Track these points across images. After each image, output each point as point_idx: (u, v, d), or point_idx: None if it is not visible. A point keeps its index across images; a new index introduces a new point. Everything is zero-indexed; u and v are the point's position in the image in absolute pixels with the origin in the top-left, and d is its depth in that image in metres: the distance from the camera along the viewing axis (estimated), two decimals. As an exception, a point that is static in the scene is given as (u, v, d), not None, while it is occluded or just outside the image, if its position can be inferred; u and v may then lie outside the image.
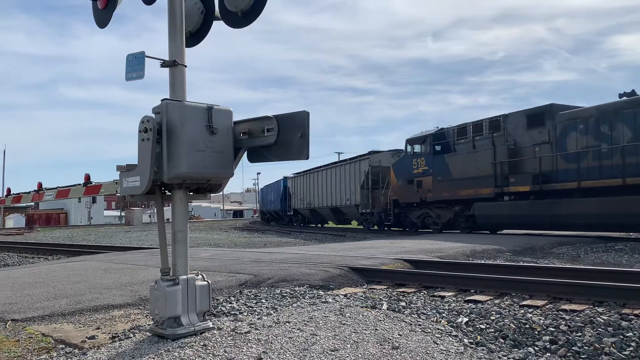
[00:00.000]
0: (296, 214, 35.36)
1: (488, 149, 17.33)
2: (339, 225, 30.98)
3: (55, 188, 8.37)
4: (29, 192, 8.88)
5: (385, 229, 23.88)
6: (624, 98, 14.60)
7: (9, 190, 9.94)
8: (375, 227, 24.78)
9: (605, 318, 4.06)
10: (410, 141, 21.18)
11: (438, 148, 19.66)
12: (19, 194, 9.31)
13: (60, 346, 3.69)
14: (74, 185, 7.93)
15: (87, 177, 7.61)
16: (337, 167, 28.99)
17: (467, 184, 17.96)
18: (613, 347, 3.43)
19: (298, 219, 35.55)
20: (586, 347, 3.47)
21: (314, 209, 31.83)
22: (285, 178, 38.21)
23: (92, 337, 3.85)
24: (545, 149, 15.73)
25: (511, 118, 17.07)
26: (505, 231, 17.34)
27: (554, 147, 15.53)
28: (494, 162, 16.95)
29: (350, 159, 28.32)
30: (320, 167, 31.64)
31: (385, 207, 22.97)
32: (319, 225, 33.53)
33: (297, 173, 35.74)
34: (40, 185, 8.59)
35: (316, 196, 31.10)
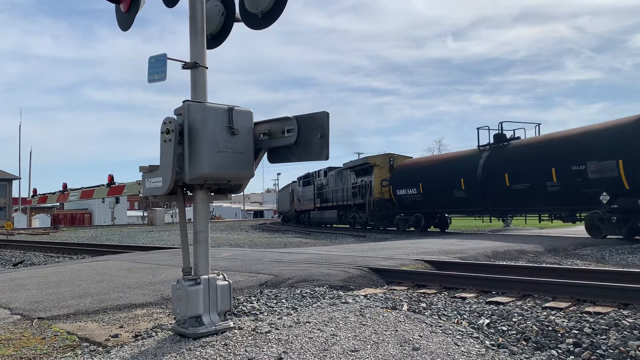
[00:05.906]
0: (280, 214, 54.24)
1: (313, 185, 35.66)
2: (289, 222, 47.59)
3: (80, 189, 8.54)
4: (54, 193, 9.08)
5: (292, 222, 43.80)
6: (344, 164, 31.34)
7: (35, 190, 10.17)
8: (296, 222, 42.69)
9: (631, 321, 3.98)
10: (298, 178, 40.32)
11: (306, 181, 37.69)
12: (44, 194, 9.53)
13: (85, 344, 3.76)
14: (98, 186, 8.09)
15: (111, 178, 7.75)
16: (286, 188, 47.92)
17: (308, 203, 36.60)
18: (639, 351, 3.37)
19: (282, 218, 53.09)
20: (611, 350, 3.41)
21: (283, 212, 50.39)
22: (278, 190, 59.30)
23: (116, 336, 3.92)
24: (326, 188, 33.45)
25: (320, 172, 34.65)
26: (528, 232, 17.26)
27: (328, 186, 33.06)
28: (314, 192, 35.11)
29: (288, 184, 46.99)
30: (284, 187, 50.77)
31: (294, 213, 42.75)
32: (291, 221, 50.27)
33: (281, 188, 54.62)
34: (65, 186, 8.78)
35: (283, 204, 49.29)
